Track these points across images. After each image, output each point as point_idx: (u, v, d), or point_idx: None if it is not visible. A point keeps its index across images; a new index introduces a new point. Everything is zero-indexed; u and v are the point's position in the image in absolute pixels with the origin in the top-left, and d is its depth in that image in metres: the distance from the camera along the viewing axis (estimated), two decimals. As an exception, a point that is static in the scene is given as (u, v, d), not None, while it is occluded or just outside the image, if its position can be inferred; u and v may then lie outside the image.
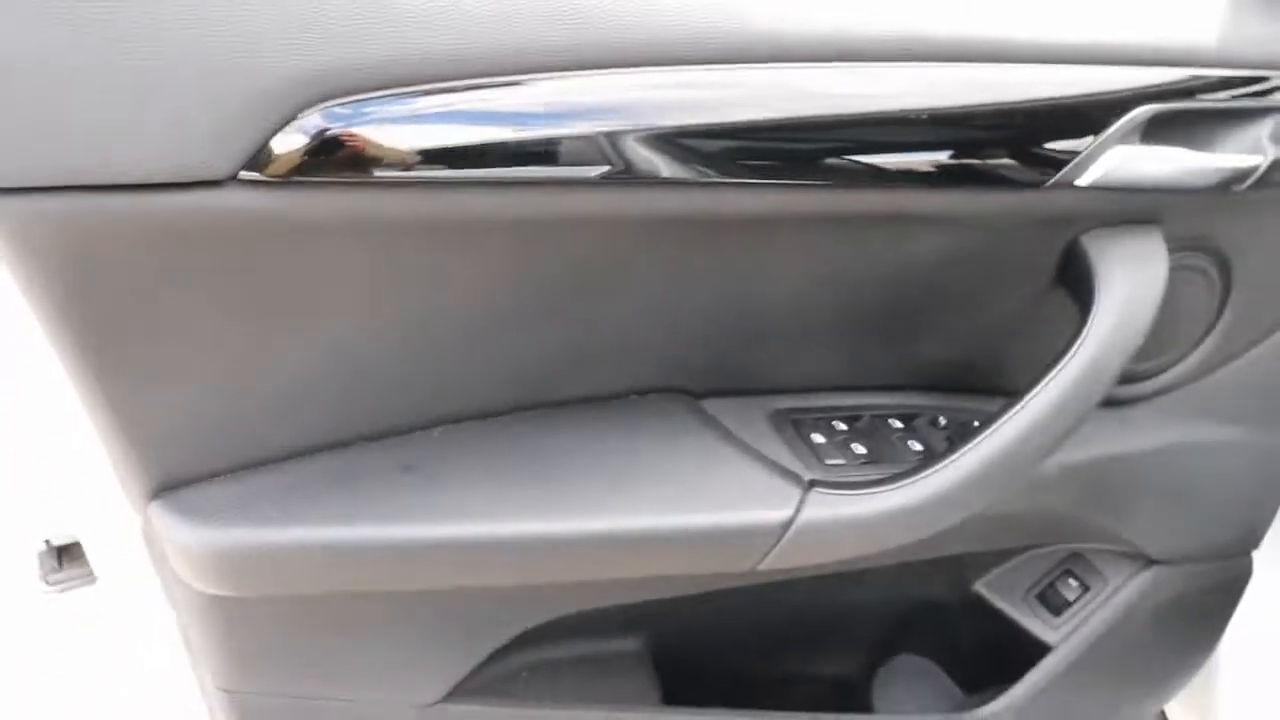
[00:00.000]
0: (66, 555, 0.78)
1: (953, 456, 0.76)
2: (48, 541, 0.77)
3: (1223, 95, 0.72)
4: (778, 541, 0.75)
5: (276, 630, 0.78)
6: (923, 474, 0.76)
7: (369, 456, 0.73)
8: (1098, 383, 0.76)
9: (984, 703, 1.08)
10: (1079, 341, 0.75)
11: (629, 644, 0.99)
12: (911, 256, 0.79)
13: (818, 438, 0.84)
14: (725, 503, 0.75)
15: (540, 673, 0.92)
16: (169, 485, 0.68)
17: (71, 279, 0.59)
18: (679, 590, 0.88)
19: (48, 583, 0.77)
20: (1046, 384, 0.75)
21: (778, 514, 0.75)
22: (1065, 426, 0.77)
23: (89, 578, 0.78)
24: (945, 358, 0.91)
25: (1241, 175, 0.74)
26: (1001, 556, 1.08)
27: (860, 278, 0.79)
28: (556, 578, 0.77)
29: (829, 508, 0.76)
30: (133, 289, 0.61)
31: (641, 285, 0.74)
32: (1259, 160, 0.74)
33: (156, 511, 0.68)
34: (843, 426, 0.86)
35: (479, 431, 0.77)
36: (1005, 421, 0.76)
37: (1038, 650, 1.06)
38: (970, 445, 0.76)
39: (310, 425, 0.72)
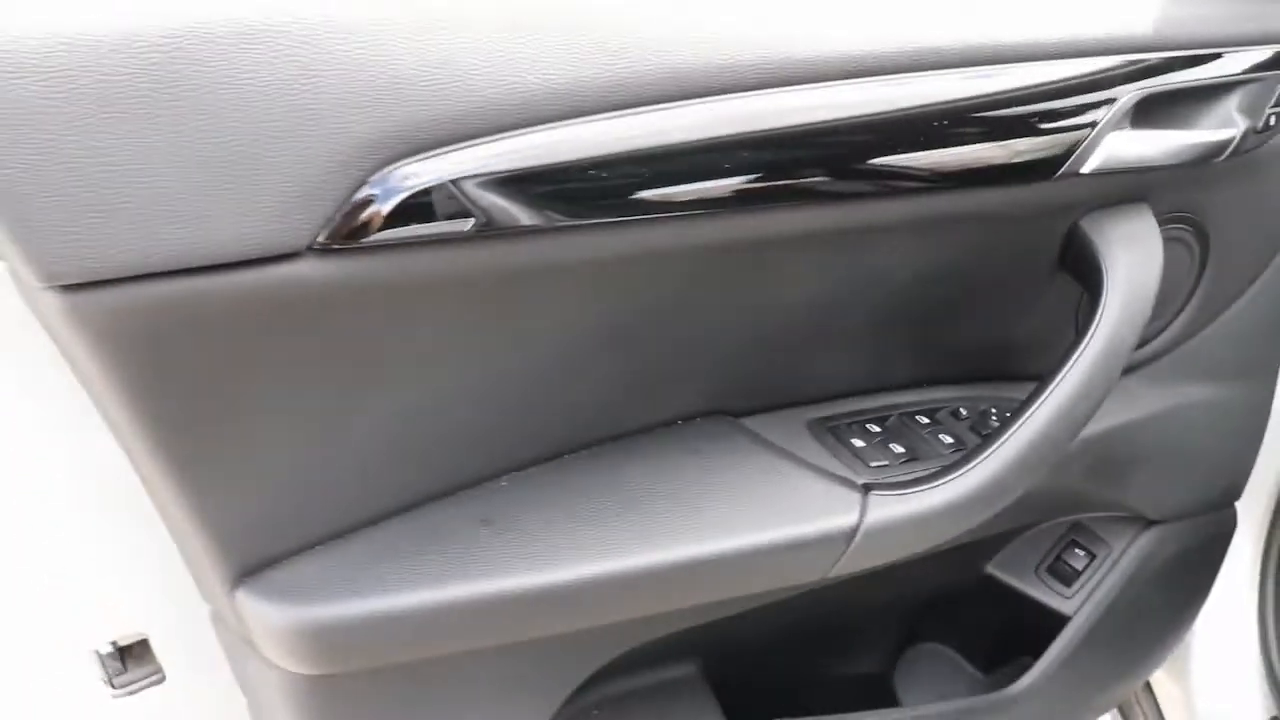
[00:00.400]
0: (129, 654, 0.75)
1: (994, 445, 0.79)
2: (114, 643, 0.74)
3: (1191, 73, 0.77)
4: (847, 547, 0.77)
5: (368, 704, 0.76)
6: (970, 465, 0.79)
7: (445, 514, 0.73)
8: (1117, 357, 0.80)
9: (1010, 680, 1.11)
10: (1095, 321, 0.79)
11: (685, 669, 1.00)
12: (930, 258, 0.82)
13: (857, 442, 0.86)
14: (794, 516, 0.77)
15: (607, 707, 0.92)
16: (253, 569, 0.66)
17: (147, 370, 0.57)
18: (739, 608, 0.89)
19: (114, 686, 0.74)
20: (1072, 365, 0.79)
21: (843, 520, 0.77)
22: (1094, 402, 0.80)
23: (158, 676, 0.75)
24: (958, 351, 0.94)
25: (1220, 148, 0.80)
26: (1008, 535, 1.11)
27: (884, 284, 0.82)
28: (644, 611, 0.77)
29: (889, 508, 0.78)
30: (209, 372, 0.59)
31: (692, 312, 0.76)
32: (1233, 132, 0.80)
33: (243, 598, 0.66)
34: (876, 428, 0.89)
35: (548, 474, 0.77)
36: (1039, 406, 0.79)
37: (1056, 622, 1.10)
38: (1009, 433, 0.79)
39: (389, 489, 0.71)
